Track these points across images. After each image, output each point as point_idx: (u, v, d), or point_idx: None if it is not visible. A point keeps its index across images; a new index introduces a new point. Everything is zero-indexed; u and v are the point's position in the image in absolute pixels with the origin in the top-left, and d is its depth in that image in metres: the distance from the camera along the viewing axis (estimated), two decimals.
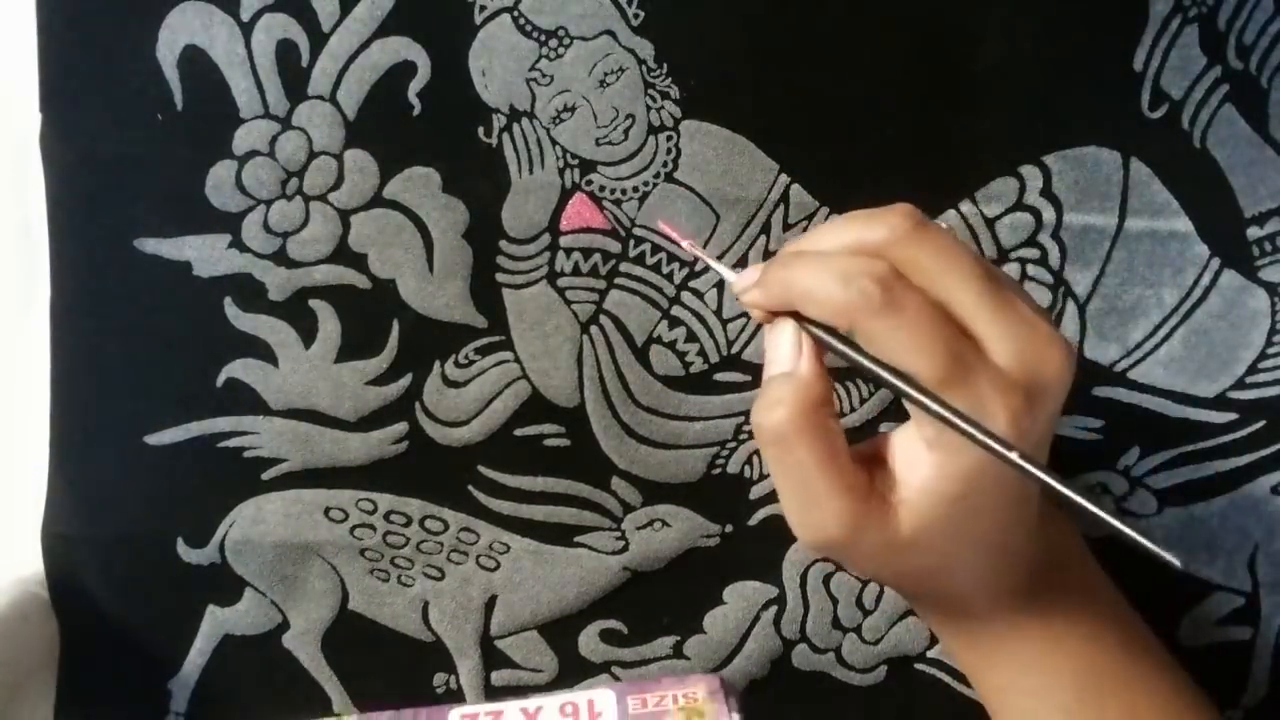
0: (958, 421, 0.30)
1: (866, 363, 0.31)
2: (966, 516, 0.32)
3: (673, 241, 0.39)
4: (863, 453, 0.33)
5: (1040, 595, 0.36)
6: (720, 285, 0.42)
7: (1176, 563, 0.27)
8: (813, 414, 0.32)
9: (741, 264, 0.41)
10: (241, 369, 0.42)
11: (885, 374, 0.31)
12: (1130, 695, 0.36)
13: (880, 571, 0.36)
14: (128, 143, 0.40)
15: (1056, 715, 0.36)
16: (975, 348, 0.31)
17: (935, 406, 0.30)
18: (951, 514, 0.32)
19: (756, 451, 0.43)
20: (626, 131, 0.41)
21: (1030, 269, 0.42)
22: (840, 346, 0.32)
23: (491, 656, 0.45)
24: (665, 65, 0.40)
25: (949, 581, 0.35)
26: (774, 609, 0.44)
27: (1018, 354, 0.31)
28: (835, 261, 0.31)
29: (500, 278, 0.42)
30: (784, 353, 0.33)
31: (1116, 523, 0.28)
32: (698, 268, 0.42)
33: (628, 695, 0.37)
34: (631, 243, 0.41)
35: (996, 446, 0.29)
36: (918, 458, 0.32)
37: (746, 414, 0.43)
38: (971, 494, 0.31)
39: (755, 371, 0.42)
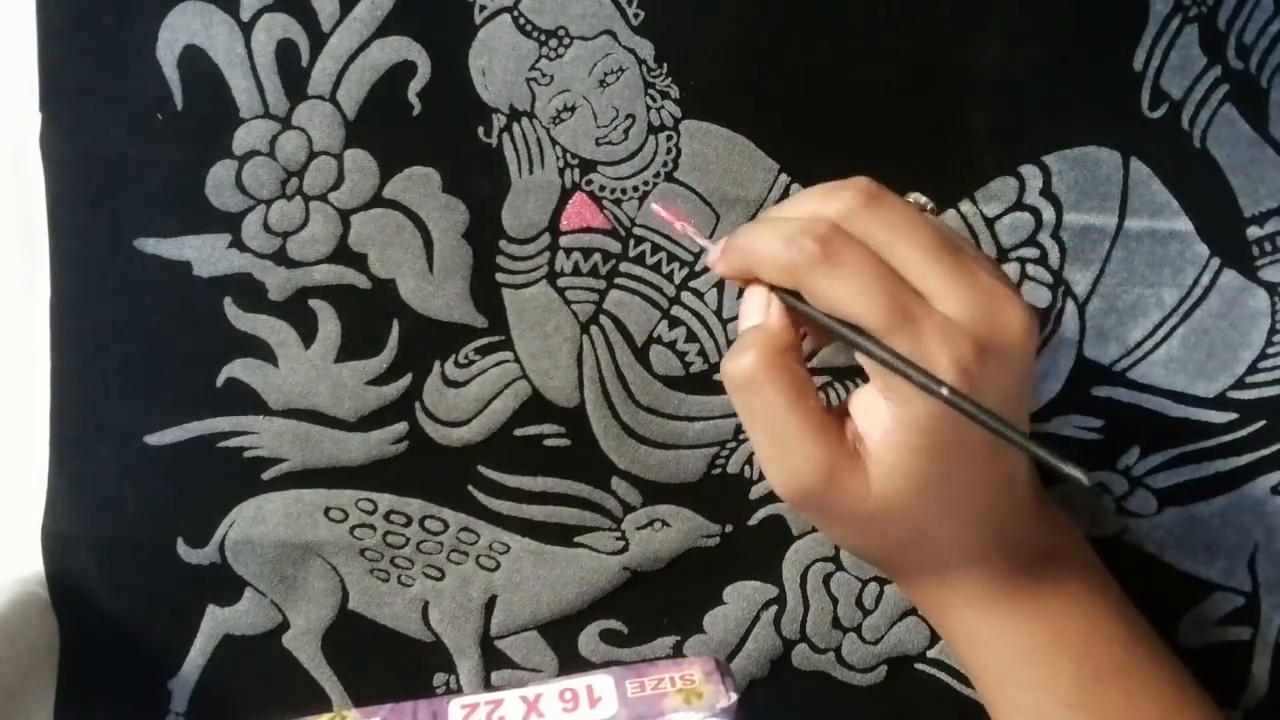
0: (893, 361, 0.31)
1: (817, 316, 0.32)
2: (935, 474, 0.32)
3: (667, 223, 0.39)
4: (832, 412, 0.34)
5: (1039, 586, 0.35)
6: (721, 285, 0.42)
7: (1084, 478, 0.28)
8: (779, 357, 0.33)
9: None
10: (241, 369, 0.42)
11: (832, 323, 0.32)
12: (1129, 687, 0.36)
13: (857, 536, 0.36)
14: (128, 142, 0.40)
15: (1057, 709, 0.35)
16: (922, 301, 0.31)
17: (873, 349, 0.31)
18: (916, 468, 0.32)
19: None
20: (626, 131, 0.41)
21: (1030, 268, 0.42)
22: (798, 305, 0.33)
23: (491, 656, 0.45)
24: (665, 65, 0.40)
25: (931, 555, 0.35)
26: (774, 609, 0.44)
27: (969, 309, 0.31)
28: (780, 225, 0.33)
29: (500, 277, 0.42)
30: (753, 308, 0.34)
31: (1036, 449, 0.29)
32: (698, 268, 0.42)
33: (626, 680, 0.37)
34: (632, 242, 0.41)
35: (929, 384, 0.30)
36: (876, 410, 0.32)
37: None
38: (934, 447, 0.32)
39: None
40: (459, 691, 0.45)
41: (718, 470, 0.43)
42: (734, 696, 0.36)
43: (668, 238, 0.41)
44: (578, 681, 0.37)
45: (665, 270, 0.42)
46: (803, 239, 0.32)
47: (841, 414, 0.34)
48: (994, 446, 0.33)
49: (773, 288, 0.34)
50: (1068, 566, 0.37)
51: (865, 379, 0.40)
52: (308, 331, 0.42)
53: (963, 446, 0.32)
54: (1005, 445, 0.33)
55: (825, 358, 0.42)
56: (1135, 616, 0.38)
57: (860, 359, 0.33)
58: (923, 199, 0.35)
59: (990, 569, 0.35)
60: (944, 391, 0.30)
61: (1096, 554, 0.38)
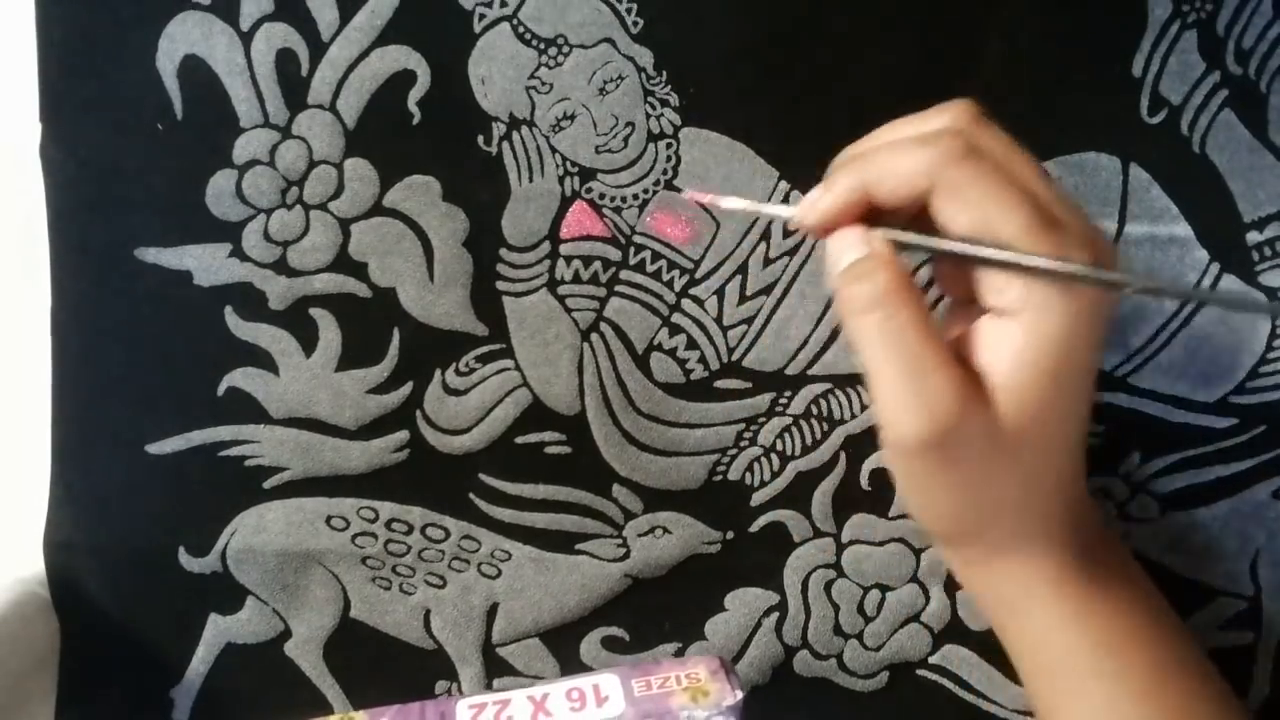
0: (1042, 259, 0.29)
1: (943, 243, 0.31)
2: (1058, 404, 0.31)
3: (703, 207, 0.38)
4: (952, 344, 0.32)
5: (1110, 574, 0.35)
6: (720, 292, 0.42)
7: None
8: (906, 277, 0.31)
9: (743, 269, 0.41)
10: (242, 378, 0.42)
11: (961, 246, 0.30)
12: (1188, 685, 0.36)
13: (972, 482, 0.33)
14: (128, 152, 0.40)
15: (1128, 702, 0.35)
16: (1062, 205, 0.30)
17: (1020, 247, 0.29)
18: (1045, 395, 0.31)
19: (758, 458, 0.43)
20: (626, 139, 0.41)
21: None
22: (911, 237, 0.31)
23: (493, 664, 0.45)
24: (664, 73, 0.40)
25: (1006, 529, 0.34)
26: (775, 615, 0.44)
27: (1084, 225, 0.30)
28: (908, 135, 0.31)
29: (500, 286, 0.42)
30: (851, 243, 0.32)
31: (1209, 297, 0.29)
32: (698, 275, 0.42)
33: (632, 678, 0.37)
34: (631, 250, 0.42)
35: (1087, 273, 0.29)
36: (1003, 334, 0.31)
37: (747, 421, 0.43)
38: (1061, 371, 0.30)
39: (756, 378, 0.42)
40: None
41: (719, 477, 0.43)
42: (740, 694, 0.36)
43: (668, 245, 0.41)
44: (583, 681, 0.37)
45: (665, 278, 0.42)
46: (943, 137, 0.30)
47: (958, 350, 0.32)
48: (1083, 394, 0.32)
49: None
50: (1126, 560, 0.36)
51: (858, 388, 0.40)
52: (308, 340, 0.42)
53: (1083, 375, 0.31)
54: (1081, 406, 0.32)
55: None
56: (1164, 605, 0.37)
57: (988, 273, 0.31)
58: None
59: (1056, 549, 0.34)
60: (1126, 282, 0.29)
61: None
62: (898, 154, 0.31)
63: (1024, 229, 0.29)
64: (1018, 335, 0.30)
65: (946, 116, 0.31)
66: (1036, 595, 0.35)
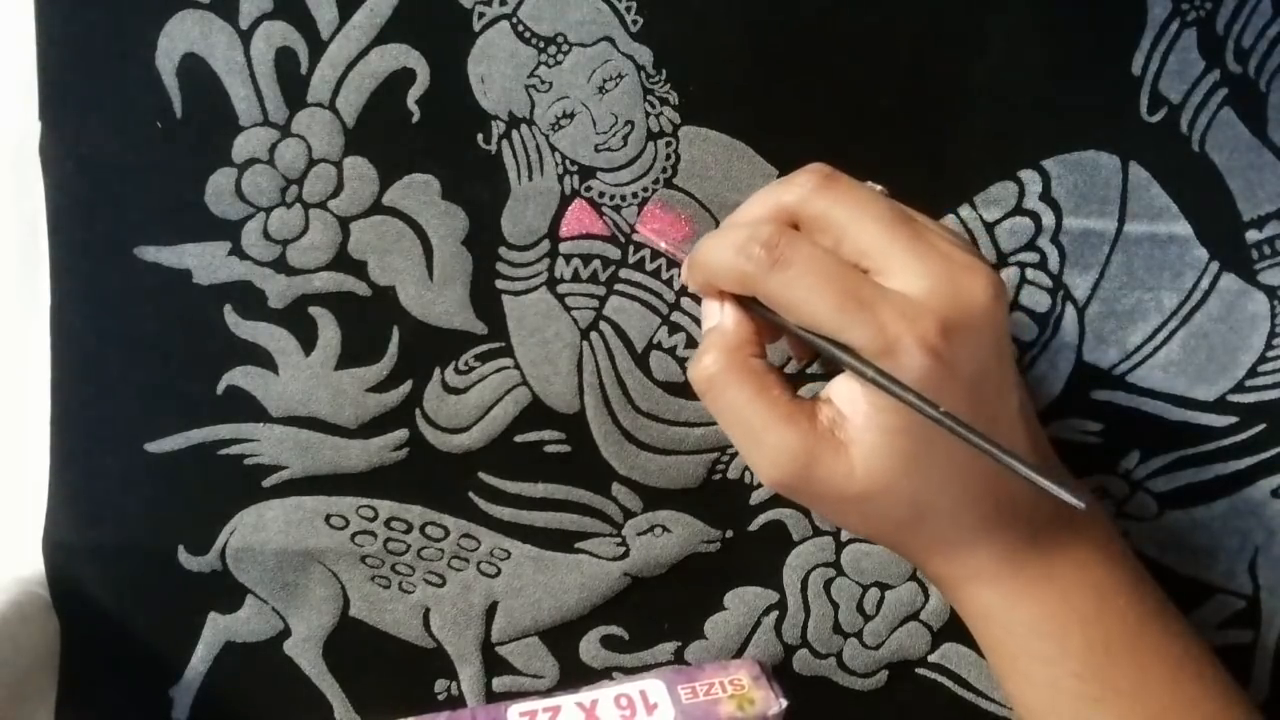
0: (854, 364, 0.31)
1: (775, 320, 0.33)
2: (920, 452, 0.32)
3: (653, 243, 0.40)
4: (804, 400, 0.34)
5: (1049, 556, 0.35)
6: None
7: (1079, 504, 0.28)
8: (736, 354, 0.34)
9: None
10: (242, 376, 0.42)
11: (790, 325, 0.32)
12: (1141, 659, 0.35)
13: (852, 517, 0.35)
14: (127, 151, 0.40)
15: (1067, 680, 0.35)
16: (875, 284, 0.31)
17: (838, 353, 0.31)
18: (898, 447, 0.32)
19: None
20: (626, 138, 0.41)
21: (1029, 273, 0.42)
22: (759, 311, 0.34)
23: (492, 663, 0.45)
24: (664, 71, 0.40)
25: (933, 533, 0.34)
26: (775, 614, 0.44)
27: (928, 282, 0.31)
28: (729, 235, 0.33)
29: (500, 284, 0.42)
30: (711, 312, 0.35)
31: (1011, 461, 0.29)
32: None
33: (677, 685, 0.38)
34: (631, 249, 0.42)
35: (879, 379, 0.30)
36: (854, 393, 0.32)
37: None
38: (913, 427, 0.31)
39: None
40: (460, 698, 0.45)
41: (718, 476, 0.43)
42: (784, 703, 0.37)
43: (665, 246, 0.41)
44: (630, 687, 0.38)
45: (665, 276, 0.42)
46: (750, 246, 0.32)
47: (821, 401, 0.34)
48: (987, 424, 0.32)
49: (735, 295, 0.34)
50: (1078, 535, 0.36)
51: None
52: (308, 339, 0.42)
53: (957, 415, 0.31)
54: (1001, 422, 0.33)
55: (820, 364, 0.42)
56: (1150, 585, 0.37)
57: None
58: (877, 186, 0.35)
59: (997, 542, 0.34)
60: (911, 399, 0.30)
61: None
62: (723, 258, 0.33)
63: (833, 320, 0.31)
64: (861, 399, 0.32)
65: (792, 188, 0.33)
66: (964, 589, 0.36)
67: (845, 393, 0.33)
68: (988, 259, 0.34)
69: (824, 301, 0.31)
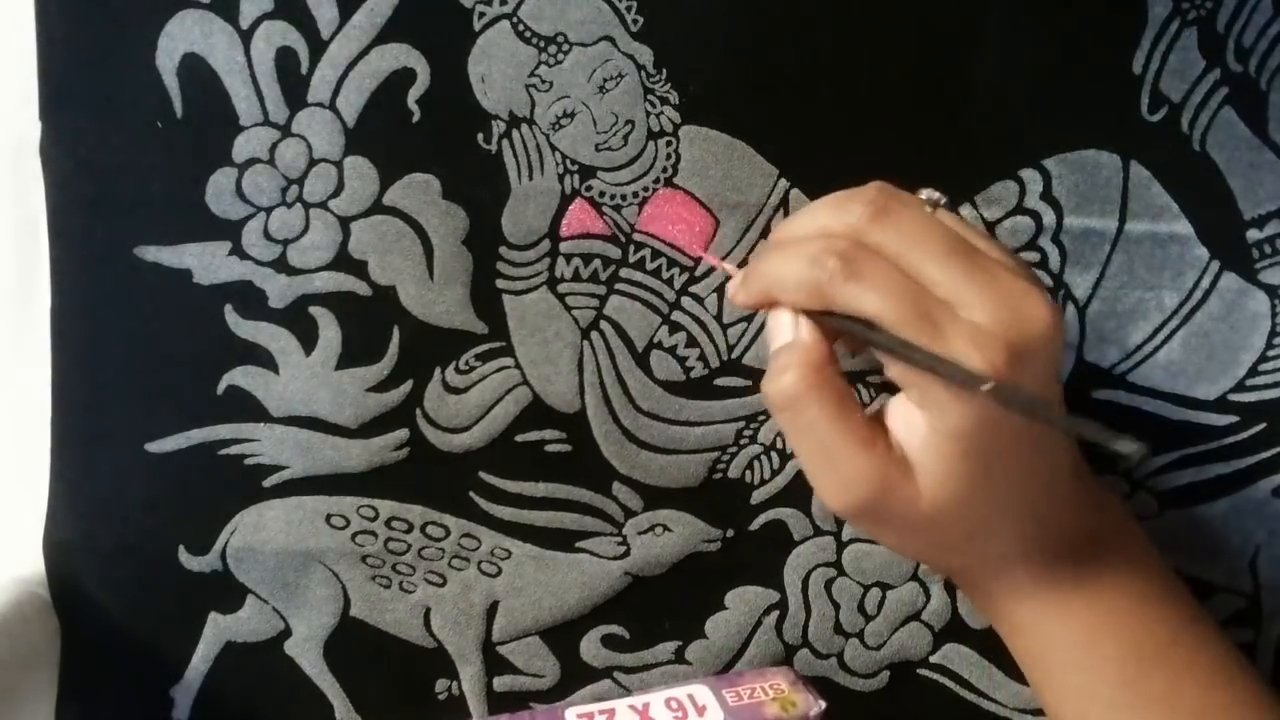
0: (931, 362, 0.30)
1: (846, 326, 0.32)
2: (979, 476, 0.32)
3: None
4: (876, 421, 0.34)
5: (1085, 572, 0.35)
6: (720, 290, 0.42)
7: (1133, 448, 0.27)
8: (818, 372, 0.33)
9: (743, 267, 0.41)
10: (242, 376, 0.42)
11: (861, 330, 0.32)
12: (1174, 668, 0.36)
13: (912, 542, 0.35)
14: (128, 151, 0.40)
15: (1102, 690, 0.36)
16: (949, 309, 0.31)
17: (911, 353, 0.31)
18: (961, 471, 0.32)
19: (758, 456, 0.43)
20: (626, 137, 0.41)
21: None
22: (824, 319, 0.33)
23: (493, 662, 0.45)
24: (664, 71, 0.40)
25: (982, 553, 0.35)
26: (776, 614, 0.44)
27: (993, 312, 0.31)
28: (799, 247, 0.33)
29: (500, 284, 0.42)
30: (782, 327, 0.34)
31: (1081, 428, 0.29)
32: (698, 272, 0.42)
33: (722, 689, 0.39)
34: (631, 248, 0.42)
35: (968, 380, 0.30)
36: (913, 419, 0.32)
37: (748, 419, 0.43)
38: (973, 451, 0.32)
39: (756, 376, 0.42)
40: (460, 698, 0.45)
41: (719, 475, 0.43)
42: (823, 704, 0.38)
43: (667, 243, 0.41)
44: (678, 691, 0.39)
45: (665, 275, 0.42)
46: (824, 257, 0.32)
47: (881, 424, 0.34)
48: (1035, 443, 0.33)
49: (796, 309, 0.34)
50: (1113, 550, 0.36)
51: (857, 385, 0.40)
52: (308, 339, 0.42)
53: (1002, 448, 0.32)
54: (1045, 440, 0.33)
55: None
56: (1182, 593, 0.38)
57: (891, 372, 0.33)
58: (935, 194, 0.35)
59: (1037, 561, 0.35)
60: (984, 388, 0.29)
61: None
62: (793, 269, 0.33)
63: (912, 336, 0.31)
64: (923, 425, 0.32)
65: (845, 217, 0.33)
66: (1004, 606, 0.37)
67: (904, 419, 0.33)
68: (1041, 281, 0.34)
69: (899, 314, 0.31)
